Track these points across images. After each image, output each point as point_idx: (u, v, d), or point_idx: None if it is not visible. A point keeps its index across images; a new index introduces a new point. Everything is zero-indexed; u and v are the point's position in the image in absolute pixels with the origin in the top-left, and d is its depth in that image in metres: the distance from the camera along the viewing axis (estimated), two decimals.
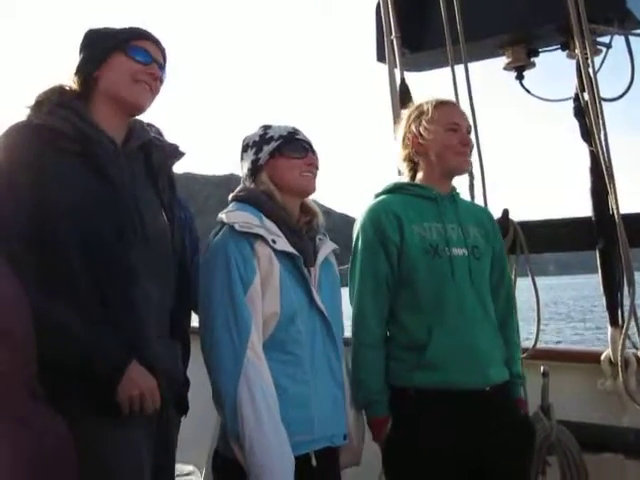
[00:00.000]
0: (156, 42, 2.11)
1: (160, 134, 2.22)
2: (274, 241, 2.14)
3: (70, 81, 2.07)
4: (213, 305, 2.08)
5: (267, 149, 2.27)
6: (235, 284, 2.07)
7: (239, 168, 2.38)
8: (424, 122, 2.55)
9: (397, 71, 3.92)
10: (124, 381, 1.86)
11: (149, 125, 2.21)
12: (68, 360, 1.82)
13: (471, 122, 2.72)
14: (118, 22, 2.15)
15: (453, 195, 2.61)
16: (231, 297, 2.06)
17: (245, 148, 2.33)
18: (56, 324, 1.79)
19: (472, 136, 2.66)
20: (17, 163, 1.87)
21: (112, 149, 2.00)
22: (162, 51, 2.12)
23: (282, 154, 2.26)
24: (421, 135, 2.56)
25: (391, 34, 3.94)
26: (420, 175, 2.62)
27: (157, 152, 2.15)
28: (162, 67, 2.10)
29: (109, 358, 1.87)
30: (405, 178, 2.67)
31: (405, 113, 2.68)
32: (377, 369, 2.45)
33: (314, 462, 2.12)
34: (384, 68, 3.97)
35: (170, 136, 2.29)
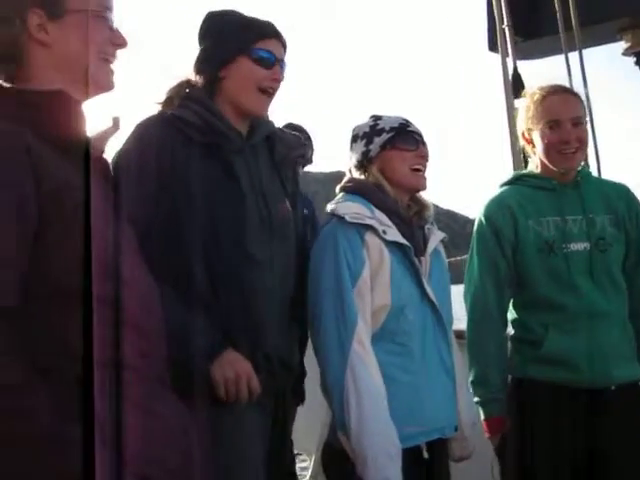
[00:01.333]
0: (279, 37, 2.11)
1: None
2: (385, 232, 2.13)
3: (194, 75, 2.10)
4: (320, 295, 2.10)
5: (378, 141, 2.24)
6: (343, 275, 2.08)
7: (345, 164, 2.36)
8: (528, 118, 2.48)
9: (509, 60, 3.86)
10: (218, 363, 1.86)
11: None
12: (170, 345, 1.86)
13: (587, 110, 2.60)
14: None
15: (579, 181, 2.48)
16: (339, 288, 2.07)
17: (355, 138, 2.31)
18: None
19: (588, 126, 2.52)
20: (148, 147, 1.94)
21: (239, 142, 2.05)
22: (284, 44, 2.12)
23: (394, 146, 2.23)
24: (529, 131, 2.49)
25: (503, 23, 3.88)
26: (539, 167, 2.53)
27: (281, 144, 2.18)
28: (284, 62, 2.11)
29: (205, 341, 1.88)
30: (532, 165, 2.58)
31: (520, 104, 2.61)
32: (500, 365, 2.43)
33: (425, 454, 2.11)
34: (496, 57, 3.91)
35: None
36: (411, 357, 2.14)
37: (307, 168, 4.11)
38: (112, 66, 1.51)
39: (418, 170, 2.24)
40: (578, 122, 2.43)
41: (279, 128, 2.25)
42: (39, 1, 1.41)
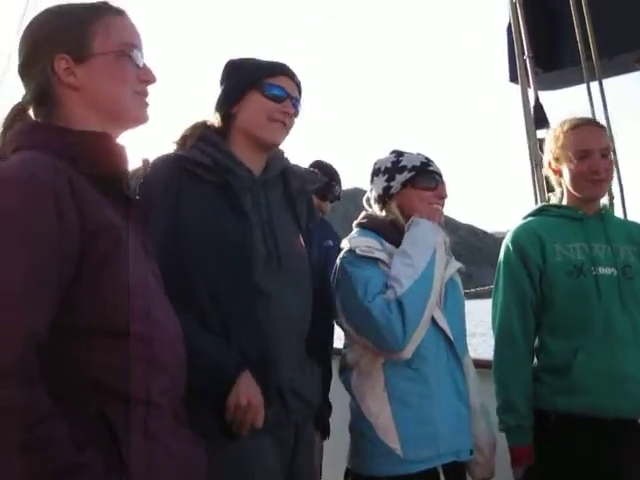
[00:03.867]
0: (291, 76, 2.16)
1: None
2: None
3: (212, 115, 2.18)
4: (346, 304, 2.22)
5: (400, 178, 2.32)
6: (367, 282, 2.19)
7: (365, 183, 2.45)
8: (555, 150, 2.51)
9: (531, 91, 3.92)
10: (234, 388, 1.86)
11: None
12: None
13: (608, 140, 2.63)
14: (255, 52, 2.16)
15: (603, 214, 2.52)
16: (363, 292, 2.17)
17: (376, 172, 2.40)
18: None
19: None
20: (156, 187, 1.98)
21: (247, 178, 2.09)
22: (297, 84, 2.17)
23: (414, 185, 2.31)
24: (555, 163, 2.53)
25: (524, 54, 3.93)
26: (565, 197, 2.55)
27: (295, 179, 2.22)
28: (297, 100, 2.16)
29: (221, 365, 1.89)
30: (554, 199, 2.62)
31: (547, 135, 2.63)
32: (528, 392, 2.41)
33: (442, 478, 2.18)
34: (517, 88, 3.97)
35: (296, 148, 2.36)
36: (426, 383, 2.21)
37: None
38: (145, 99, 1.54)
39: (436, 207, 2.33)
40: (606, 153, 2.46)
41: (294, 164, 2.29)
42: (65, 47, 1.46)
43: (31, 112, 1.50)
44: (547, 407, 2.38)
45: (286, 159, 2.26)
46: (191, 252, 1.97)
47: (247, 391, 1.88)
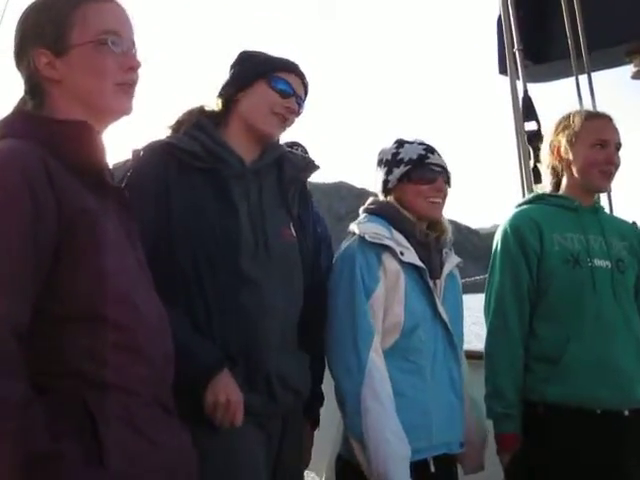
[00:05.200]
0: (301, 76, 2.17)
1: (305, 152, 2.24)
2: (402, 253, 2.21)
3: (213, 100, 2.17)
4: (337, 308, 2.19)
5: (396, 173, 2.30)
6: (359, 290, 2.16)
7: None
8: (570, 135, 2.49)
9: (520, 83, 3.91)
10: (212, 385, 1.86)
11: (295, 145, 2.23)
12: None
13: None
14: (269, 48, 2.15)
15: (596, 208, 2.55)
16: (354, 303, 2.15)
17: (379, 163, 2.39)
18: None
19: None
20: (145, 175, 1.99)
21: (238, 166, 2.08)
22: (305, 85, 2.18)
23: (410, 179, 2.29)
24: (565, 147, 2.50)
25: (513, 46, 3.93)
26: (563, 186, 2.56)
27: (289, 166, 2.21)
28: (302, 100, 2.17)
29: (200, 362, 1.88)
30: (547, 187, 2.63)
31: (555, 121, 2.61)
32: (516, 380, 2.41)
33: (432, 468, 2.17)
34: (506, 80, 3.97)
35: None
36: (421, 375, 2.20)
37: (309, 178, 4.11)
38: (129, 89, 1.53)
39: (434, 201, 2.30)
40: (619, 148, 2.49)
41: (289, 151, 2.29)
42: (44, 41, 1.47)
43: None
44: (536, 397, 2.38)
45: (282, 147, 2.25)
46: (179, 240, 1.96)
47: (226, 388, 1.86)
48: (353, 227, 2.30)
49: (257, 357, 1.97)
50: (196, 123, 2.10)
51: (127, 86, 1.52)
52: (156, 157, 2.01)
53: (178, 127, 2.13)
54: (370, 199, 2.41)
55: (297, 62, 2.18)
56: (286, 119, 2.13)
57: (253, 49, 2.23)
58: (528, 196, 2.64)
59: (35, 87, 1.49)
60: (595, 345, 2.32)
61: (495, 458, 2.43)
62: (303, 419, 2.23)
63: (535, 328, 2.43)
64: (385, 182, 2.34)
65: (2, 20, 5.06)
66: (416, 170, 2.28)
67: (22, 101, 1.51)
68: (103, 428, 1.29)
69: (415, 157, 2.30)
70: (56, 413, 1.24)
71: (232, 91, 2.14)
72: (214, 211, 1.99)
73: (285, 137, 2.34)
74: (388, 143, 2.40)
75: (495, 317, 2.47)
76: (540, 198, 2.59)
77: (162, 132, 2.15)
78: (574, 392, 2.30)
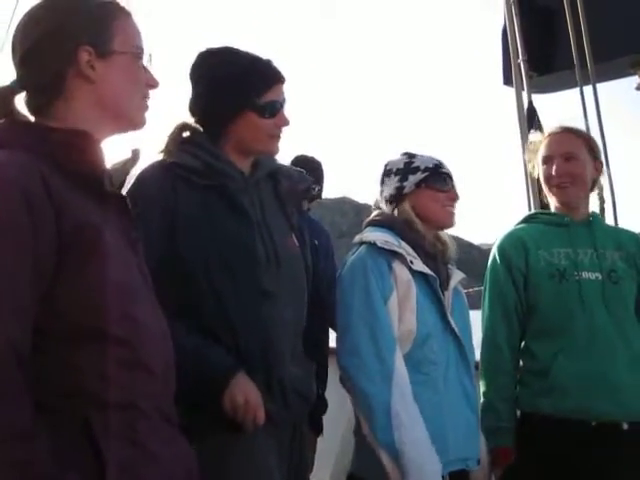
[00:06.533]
0: (282, 80, 2.11)
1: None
2: (412, 262, 2.18)
3: (192, 119, 2.11)
4: (352, 316, 2.14)
5: (413, 179, 2.30)
6: (375, 295, 2.13)
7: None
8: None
9: (524, 94, 3.92)
10: (229, 388, 1.85)
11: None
12: (184, 376, 1.71)
13: (600, 144, 2.67)
14: (255, 51, 2.04)
15: (590, 220, 2.53)
16: (372, 307, 2.12)
17: (388, 173, 2.36)
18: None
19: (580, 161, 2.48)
20: (149, 197, 1.96)
21: (240, 180, 2.07)
22: (284, 82, 2.12)
23: (428, 186, 2.29)
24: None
25: (518, 57, 3.94)
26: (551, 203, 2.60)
27: (285, 179, 2.20)
28: (285, 101, 2.12)
29: (217, 365, 1.88)
30: (552, 204, 2.61)
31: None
32: (508, 395, 2.43)
33: None
34: (511, 91, 3.98)
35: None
36: (435, 388, 2.17)
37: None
38: (147, 106, 1.54)
39: (450, 210, 2.32)
40: (570, 157, 2.47)
41: (283, 165, 2.27)
42: (90, 38, 1.44)
43: (19, 97, 1.45)
44: (530, 409, 2.39)
45: (274, 159, 2.23)
46: (192, 255, 1.94)
47: (244, 389, 1.86)
48: (359, 238, 2.28)
49: (276, 368, 1.97)
50: (190, 139, 2.08)
51: (146, 102, 1.53)
52: (160, 177, 1.99)
53: (168, 150, 2.07)
54: (375, 212, 2.40)
55: (269, 58, 2.12)
56: (281, 132, 2.11)
57: (214, 51, 2.12)
58: (524, 215, 2.67)
59: (58, 83, 1.43)
60: (586, 357, 2.31)
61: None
62: (308, 426, 2.23)
63: (528, 343, 2.47)
64: (400, 188, 2.31)
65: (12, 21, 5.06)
66: (434, 177, 2.30)
67: (9, 94, 1.43)
68: (105, 448, 1.27)
69: (431, 166, 2.31)
70: (58, 435, 1.22)
71: (219, 122, 2.07)
72: (229, 225, 1.98)
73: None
74: (395, 156, 2.40)
75: (486, 339, 2.52)
76: (533, 217, 2.65)
77: (158, 142, 2.10)
78: (565, 404, 2.30)
